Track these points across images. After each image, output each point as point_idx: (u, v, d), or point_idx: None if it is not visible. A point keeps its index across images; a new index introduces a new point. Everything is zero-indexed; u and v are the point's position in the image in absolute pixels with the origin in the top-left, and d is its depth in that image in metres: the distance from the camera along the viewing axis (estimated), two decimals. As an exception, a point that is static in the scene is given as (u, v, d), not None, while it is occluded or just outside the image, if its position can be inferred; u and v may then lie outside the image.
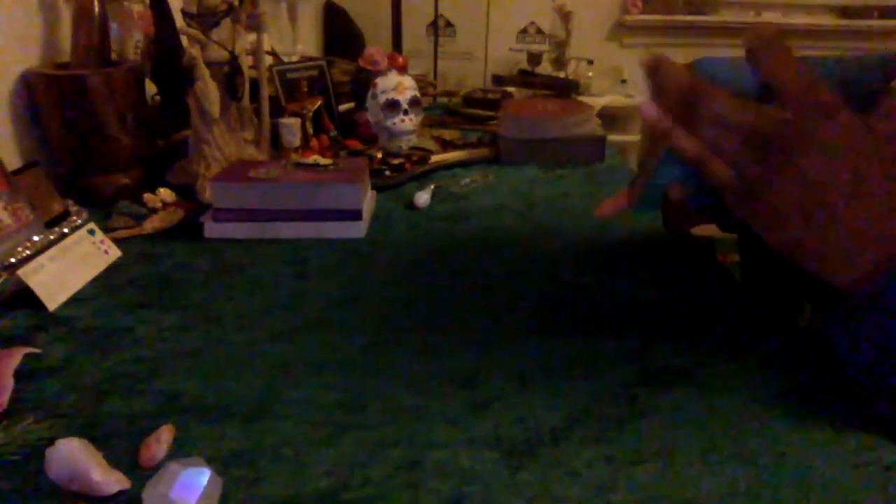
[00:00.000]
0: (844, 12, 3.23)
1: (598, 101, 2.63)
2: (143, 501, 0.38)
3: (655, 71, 0.46)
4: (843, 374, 0.49)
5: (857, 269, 0.43)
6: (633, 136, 2.91)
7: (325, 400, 0.49)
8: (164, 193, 0.88)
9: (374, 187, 0.92)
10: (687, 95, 0.45)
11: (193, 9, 0.84)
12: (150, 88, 1.05)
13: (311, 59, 1.31)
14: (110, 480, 0.40)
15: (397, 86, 1.07)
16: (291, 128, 1.02)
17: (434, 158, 1.09)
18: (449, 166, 1.09)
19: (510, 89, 1.59)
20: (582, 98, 1.49)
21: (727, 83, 0.45)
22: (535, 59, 2.79)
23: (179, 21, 0.87)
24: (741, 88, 0.45)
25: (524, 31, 3.12)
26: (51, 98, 0.86)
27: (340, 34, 2.30)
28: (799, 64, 0.42)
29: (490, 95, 1.47)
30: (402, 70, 1.12)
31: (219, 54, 0.87)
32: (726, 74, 0.45)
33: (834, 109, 0.42)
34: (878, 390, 0.46)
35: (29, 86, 0.88)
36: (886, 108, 0.48)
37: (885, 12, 3.18)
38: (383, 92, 1.07)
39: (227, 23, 0.87)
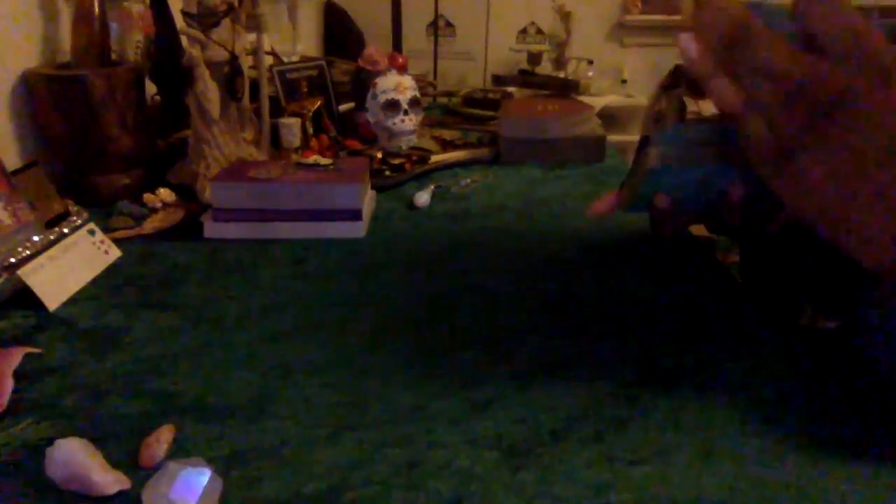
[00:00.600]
0: (844, 12, 3.23)
1: (598, 101, 2.63)
2: (143, 501, 0.38)
3: (704, 2, 0.41)
4: (874, 368, 0.47)
5: (893, 251, 0.39)
6: (633, 137, 2.91)
7: (325, 400, 0.49)
8: (164, 193, 0.88)
9: (374, 187, 0.92)
10: (735, 33, 0.39)
11: (193, 9, 0.84)
12: (150, 88, 1.05)
13: (311, 59, 1.31)
14: (110, 480, 0.40)
15: (397, 86, 1.07)
16: (291, 128, 1.02)
17: (434, 158, 1.09)
18: (449, 166, 1.09)
19: (510, 89, 1.59)
20: (582, 98, 1.49)
21: (784, 30, 0.40)
22: (535, 59, 2.79)
23: (179, 21, 0.87)
24: (796, 39, 0.40)
25: (524, 31, 3.13)
26: (51, 98, 0.86)
27: (340, 34, 2.30)
28: (855, 19, 0.38)
29: (490, 95, 1.47)
30: (402, 70, 1.12)
31: (219, 54, 0.87)
32: (781, 23, 0.40)
33: (890, 73, 0.37)
34: None
35: (29, 86, 0.88)
36: None
37: (886, 12, 3.18)
38: (383, 92, 1.07)
39: (227, 23, 0.87)
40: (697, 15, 0.41)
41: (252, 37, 0.97)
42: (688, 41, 0.41)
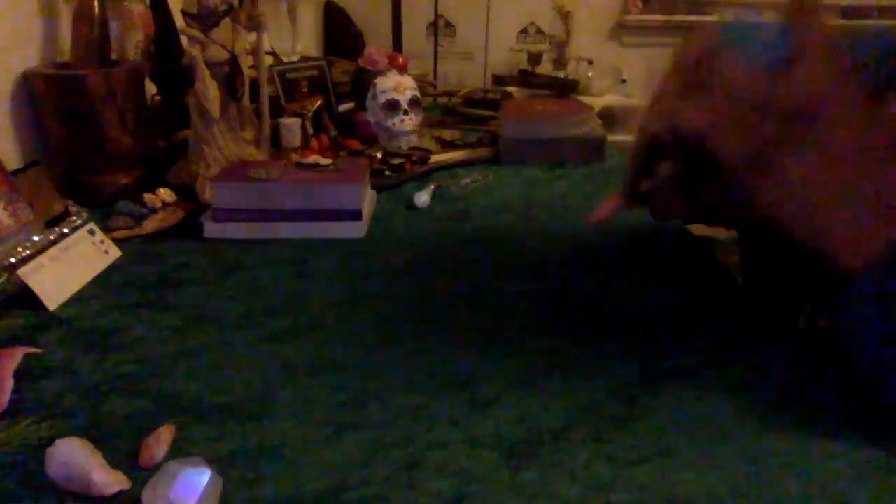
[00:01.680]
0: (844, 12, 3.23)
1: (598, 101, 2.63)
2: (143, 501, 0.37)
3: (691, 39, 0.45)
4: (851, 366, 0.48)
5: (865, 251, 0.42)
6: (633, 137, 2.91)
7: (325, 400, 0.49)
8: (164, 193, 0.88)
9: (374, 187, 0.92)
10: (700, 59, 0.43)
11: (193, 9, 0.84)
12: (150, 88, 1.05)
13: (311, 59, 1.31)
14: (110, 480, 0.40)
15: (397, 86, 1.07)
16: (291, 128, 1.02)
17: (434, 158, 1.09)
18: (449, 166, 1.09)
19: (510, 89, 1.59)
20: (582, 98, 1.49)
21: (753, 48, 0.43)
22: (535, 59, 2.79)
23: (179, 21, 0.87)
24: (767, 54, 0.43)
25: (524, 31, 3.12)
26: (51, 98, 0.86)
27: (340, 34, 2.30)
28: (827, 38, 0.41)
29: (490, 95, 1.47)
30: (402, 70, 1.12)
31: (219, 54, 0.87)
32: (752, 40, 0.44)
33: (853, 85, 0.41)
34: (886, 381, 0.45)
35: (29, 86, 0.88)
36: None
37: (885, 12, 3.18)
38: (383, 92, 1.07)
39: (227, 23, 0.87)
40: (677, 46, 0.45)
41: (252, 37, 0.97)
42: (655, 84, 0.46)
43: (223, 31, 0.87)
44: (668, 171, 0.52)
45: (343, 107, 1.24)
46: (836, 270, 0.44)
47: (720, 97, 0.43)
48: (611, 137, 1.19)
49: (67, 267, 0.66)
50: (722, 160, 0.44)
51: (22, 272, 0.62)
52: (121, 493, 0.40)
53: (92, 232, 0.72)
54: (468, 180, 1.02)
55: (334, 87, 1.23)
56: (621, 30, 3.26)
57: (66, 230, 0.71)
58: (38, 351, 0.55)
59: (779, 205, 0.43)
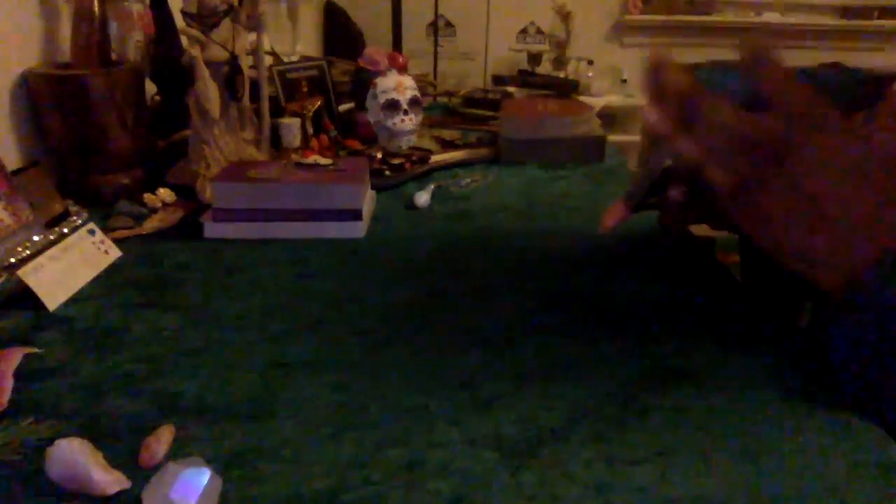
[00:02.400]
0: (844, 12, 3.23)
1: (598, 101, 2.63)
2: (143, 501, 0.38)
3: (657, 72, 0.47)
4: (836, 379, 0.50)
5: (841, 272, 0.45)
6: (633, 137, 2.91)
7: (325, 400, 0.49)
8: (164, 193, 0.88)
9: (374, 187, 0.92)
10: (686, 100, 0.46)
11: (193, 9, 0.84)
12: (150, 88, 1.05)
13: (311, 59, 1.31)
14: (110, 480, 0.40)
15: (397, 86, 1.07)
16: (291, 128, 1.02)
17: (434, 158, 1.09)
18: (449, 166, 1.09)
19: (510, 89, 1.59)
20: (582, 98, 1.49)
21: (726, 89, 0.46)
22: (535, 59, 2.79)
23: (179, 21, 0.87)
24: (740, 94, 0.46)
25: (524, 31, 3.13)
26: (51, 98, 0.86)
27: (340, 34, 2.30)
28: (790, 76, 0.44)
29: (490, 95, 1.47)
30: (402, 70, 1.12)
31: (219, 54, 0.87)
32: (727, 81, 0.46)
33: (826, 120, 0.44)
34: (869, 399, 0.46)
35: (29, 86, 0.88)
36: (882, 117, 0.49)
37: (886, 12, 3.18)
38: (383, 92, 1.07)
39: (227, 23, 0.87)
40: (652, 84, 0.47)
41: (252, 37, 0.97)
42: (649, 111, 0.47)
43: (223, 31, 0.87)
44: (677, 194, 0.53)
45: (343, 107, 1.25)
46: (818, 289, 0.46)
47: (707, 133, 0.45)
48: (611, 137, 1.19)
49: (67, 267, 0.66)
50: (712, 189, 0.47)
51: (22, 272, 0.62)
52: (121, 493, 0.40)
53: (92, 232, 0.72)
54: (468, 180, 1.02)
55: (334, 87, 1.23)
56: (621, 30, 3.26)
57: (66, 230, 0.71)
58: (38, 351, 0.55)
59: (758, 232, 0.47)
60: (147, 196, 0.87)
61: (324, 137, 1.13)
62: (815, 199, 0.44)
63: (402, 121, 1.06)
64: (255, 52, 0.99)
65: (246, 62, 0.92)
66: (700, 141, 0.45)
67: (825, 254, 0.45)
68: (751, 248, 0.69)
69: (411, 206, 0.91)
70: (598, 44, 3.20)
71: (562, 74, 2.59)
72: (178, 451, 0.44)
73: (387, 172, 1.01)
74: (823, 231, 0.44)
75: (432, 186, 0.97)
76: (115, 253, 0.73)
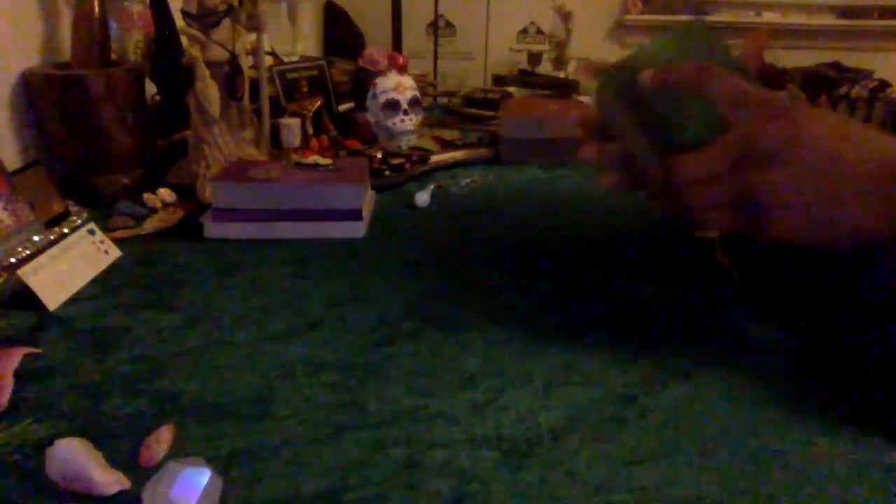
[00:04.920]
0: (844, 12, 3.23)
1: (598, 102, 2.62)
2: (143, 501, 0.37)
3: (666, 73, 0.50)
4: (858, 373, 0.50)
5: (882, 218, 0.44)
6: (633, 136, 2.91)
7: (325, 400, 0.49)
8: (164, 193, 0.88)
9: (374, 187, 0.92)
10: (664, 177, 0.48)
11: (193, 9, 0.84)
12: (150, 88, 1.05)
13: (311, 59, 1.31)
14: (110, 480, 0.40)
15: (397, 86, 1.07)
16: (291, 128, 1.02)
17: (434, 158, 1.09)
18: (449, 166, 1.09)
19: (510, 89, 1.59)
20: (582, 98, 1.49)
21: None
22: (535, 59, 2.79)
23: (179, 21, 0.87)
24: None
25: (524, 31, 3.12)
26: (51, 98, 0.86)
27: (340, 34, 2.30)
28: (742, 84, 0.46)
29: (490, 95, 1.47)
30: (402, 70, 1.12)
31: (219, 54, 0.87)
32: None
33: (785, 106, 0.45)
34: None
35: (29, 86, 0.88)
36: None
37: (885, 12, 3.18)
38: (383, 92, 1.07)
39: (227, 23, 0.87)
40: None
41: (252, 37, 0.97)
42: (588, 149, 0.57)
43: (223, 31, 0.87)
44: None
45: (343, 107, 1.25)
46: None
47: (694, 187, 0.47)
48: (611, 137, 1.19)
49: (67, 267, 0.66)
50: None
51: (22, 272, 0.62)
52: (121, 493, 0.40)
53: (92, 232, 0.72)
54: (468, 180, 1.02)
55: (334, 87, 1.23)
56: (621, 30, 3.26)
57: (66, 230, 0.71)
58: (38, 351, 0.55)
59: (775, 230, 0.46)
60: (147, 196, 0.87)
61: (324, 137, 1.13)
62: (834, 158, 0.43)
63: (402, 121, 1.07)
64: (255, 52, 0.99)
65: (246, 62, 0.92)
66: (690, 195, 0.47)
67: (856, 208, 0.43)
68: (751, 249, 0.69)
69: (411, 206, 0.91)
70: (598, 44, 3.19)
71: (562, 74, 2.58)
72: (178, 451, 0.44)
73: (387, 172, 1.01)
74: (847, 188, 0.43)
75: (432, 186, 0.97)
76: (115, 253, 0.73)
